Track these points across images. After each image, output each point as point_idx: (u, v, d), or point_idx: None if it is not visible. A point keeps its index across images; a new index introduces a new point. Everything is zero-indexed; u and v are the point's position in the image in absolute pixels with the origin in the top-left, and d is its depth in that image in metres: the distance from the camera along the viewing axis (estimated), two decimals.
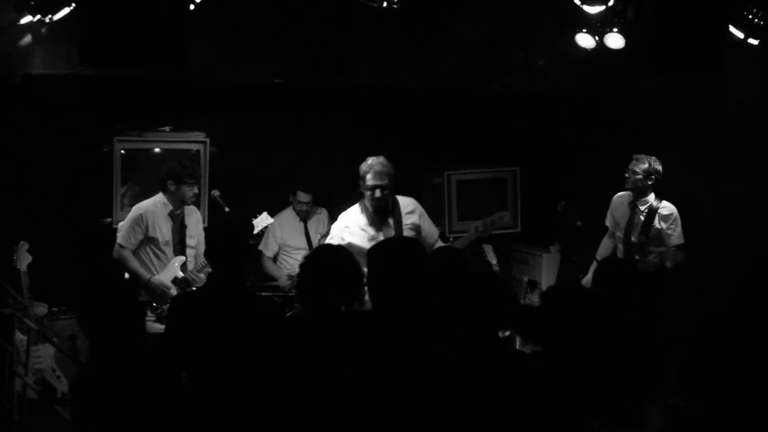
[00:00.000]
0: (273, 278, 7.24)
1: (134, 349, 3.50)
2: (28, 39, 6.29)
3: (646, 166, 6.38)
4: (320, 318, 3.77)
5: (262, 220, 6.60)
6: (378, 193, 5.60)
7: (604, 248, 6.74)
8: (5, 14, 5.98)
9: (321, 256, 3.95)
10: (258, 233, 6.73)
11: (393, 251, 3.98)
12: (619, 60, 6.87)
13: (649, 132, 7.39)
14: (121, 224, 6.29)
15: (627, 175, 6.46)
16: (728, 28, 6.04)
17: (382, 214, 5.67)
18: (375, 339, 3.61)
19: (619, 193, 6.68)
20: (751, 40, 6.33)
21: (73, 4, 5.87)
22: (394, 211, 5.73)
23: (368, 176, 5.62)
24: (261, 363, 3.82)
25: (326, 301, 3.79)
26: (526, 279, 8.05)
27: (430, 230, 5.84)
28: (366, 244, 5.42)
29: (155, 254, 6.24)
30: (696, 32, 5.55)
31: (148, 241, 6.21)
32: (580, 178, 7.92)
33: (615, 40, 6.79)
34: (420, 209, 5.85)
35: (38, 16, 5.91)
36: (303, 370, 3.65)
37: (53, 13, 5.92)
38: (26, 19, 5.98)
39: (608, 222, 6.77)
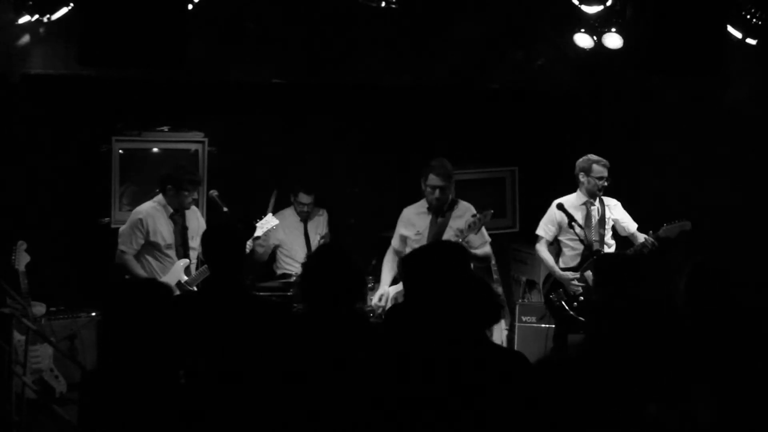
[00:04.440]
0: (269, 277, 7.23)
1: (150, 353, 3.50)
2: (26, 39, 6.29)
3: (608, 168, 6.51)
4: (323, 318, 3.78)
5: (266, 222, 6.48)
6: (438, 193, 6.03)
7: (550, 257, 6.63)
8: (4, 14, 5.97)
9: (323, 257, 3.96)
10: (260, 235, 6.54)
11: (430, 258, 4.06)
12: (618, 60, 6.88)
13: (648, 132, 7.39)
14: (120, 230, 6.23)
15: (599, 181, 6.47)
16: (726, 28, 6.04)
17: (436, 212, 6.12)
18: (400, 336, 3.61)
19: (562, 200, 6.58)
20: (750, 40, 6.34)
21: (72, 4, 5.87)
22: (447, 212, 6.13)
23: (431, 176, 6.03)
24: (260, 363, 3.82)
25: (329, 302, 3.79)
26: (524, 279, 8.05)
27: (473, 239, 6.04)
28: (412, 237, 6.14)
29: (156, 258, 6.18)
30: (695, 32, 5.55)
31: (150, 246, 6.16)
32: None
33: (613, 40, 6.80)
34: (471, 218, 6.06)
35: (36, 16, 5.91)
36: (304, 370, 3.66)
37: (51, 13, 5.92)
38: (25, 19, 5.98)
39: (550, 232, 6.62)
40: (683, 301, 4.10)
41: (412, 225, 6.21)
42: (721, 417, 3.39)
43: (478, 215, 6.00)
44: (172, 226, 6.21)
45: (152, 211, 6.17)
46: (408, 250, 5.88)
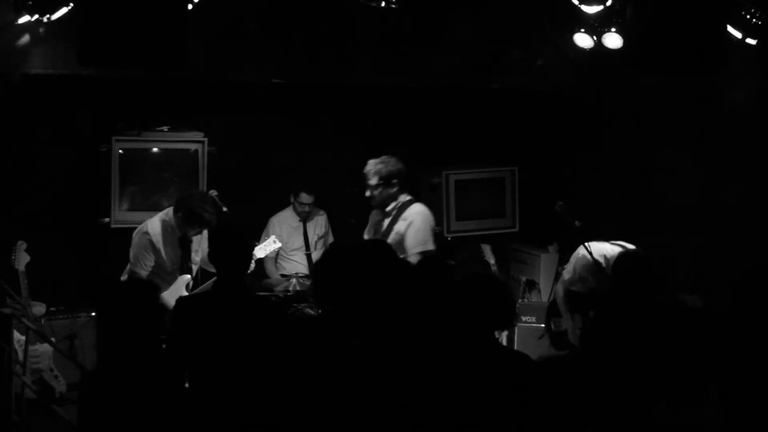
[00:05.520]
0: (268, 277, 7.22)
1: (147, 353, 3.51)
2: (26, 39, 6.29)
3: None
4: (336, 319, 3.80)
5: (268, 244, 6.33)
6: (367, 192, 5.92)
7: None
8: (4, 14, 5.98)
9: (332, 260, 3.99)
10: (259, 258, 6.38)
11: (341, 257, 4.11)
12: (618, 60, 6.88)
13: (648, 132, 7.39)
14: (132, 251, 5.96)
15: None
16: (726, 28, 6.04)
17: (381, 212, 5.98)
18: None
19: (586, 259, 5.91)
20: (750, 40, 6.34)
21: (71, 4, 5.87)
22: (394, 214, 5.92)
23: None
24: (268, 364, 3.83)
25: (342, 303, 3.81)
26: (524, 279, 8.05)
27: (407, 243, 5.79)
28: (366, 236, 6.05)
29: (159, 276, 6.05)
30: (695, 32, 5.55)
31: (156, 266, 5.97)
32: (579, 177, 7.92)
33: (613, 40, 6.80)
34: (413, 221, 5.84)
35: (36, 16, 5.91)
36: (317, 370, 3.68)
37: (51, 13, 5.92)
38: (24, 19, 5.98)
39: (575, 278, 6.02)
40: (727, 305, 4.12)
41: (369, 224, 6.13)
42: (733, 420, 3.41)
43: None
44: (178, 248, 6.00)
45: (164, 233, 5.94)
46: None
